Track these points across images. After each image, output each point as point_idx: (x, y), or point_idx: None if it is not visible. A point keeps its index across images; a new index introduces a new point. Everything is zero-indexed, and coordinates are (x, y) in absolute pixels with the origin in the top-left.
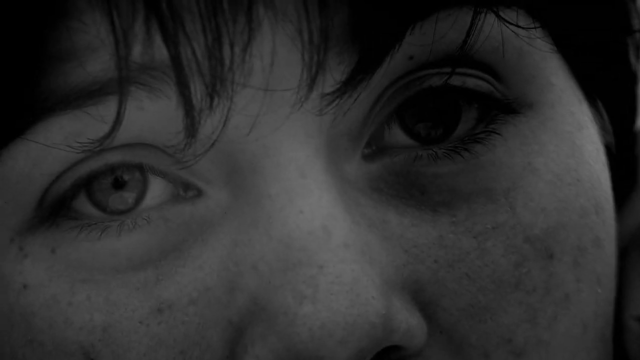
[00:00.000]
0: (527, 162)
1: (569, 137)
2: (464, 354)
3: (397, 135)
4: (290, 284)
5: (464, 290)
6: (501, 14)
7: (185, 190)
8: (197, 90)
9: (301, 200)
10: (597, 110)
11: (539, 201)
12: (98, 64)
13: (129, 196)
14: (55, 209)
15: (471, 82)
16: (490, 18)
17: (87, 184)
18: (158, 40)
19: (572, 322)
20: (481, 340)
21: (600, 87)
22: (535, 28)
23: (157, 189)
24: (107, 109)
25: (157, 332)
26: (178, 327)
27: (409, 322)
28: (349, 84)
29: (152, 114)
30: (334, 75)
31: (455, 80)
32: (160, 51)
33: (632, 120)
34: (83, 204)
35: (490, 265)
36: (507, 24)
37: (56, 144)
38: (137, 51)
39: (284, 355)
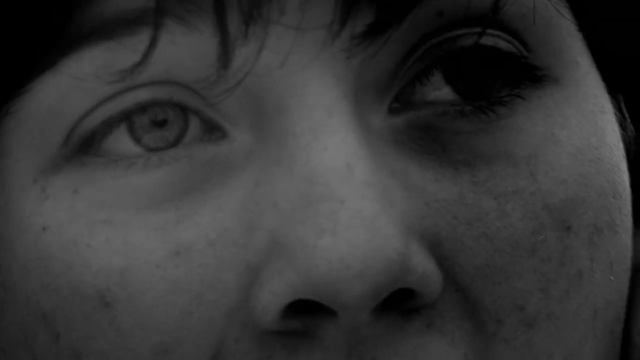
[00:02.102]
0: (550, 132)
1: (592, 116)
2: (478, 316)
3: (429, 91)
4: (310, 218)
5: (481, 250)
6: None
7: (211, 132)
8: (234, 18)
9: (326, 137)
10: (619, 108)
11: (560, 172)
12: None
13: (169, 134)
14: (83, 147)
15: (503, 44)
16: None
17: (122, 121)
18: None
19: (583, 302)
20: (495, 304)
21: (625, 83)
22: None
23: (193, 128)
24: (140, 40)
25: (174, 276)
26: (195, 270)
27: (425, 267)
28: (378, 28)
29: (183, 49)
30: (364, 18)
31: (487, 40)
32: None
33: None
34: (116, 141)
35: (508, 228)
36: None
37: (87, 76)
38: None
39: (301, 289)
